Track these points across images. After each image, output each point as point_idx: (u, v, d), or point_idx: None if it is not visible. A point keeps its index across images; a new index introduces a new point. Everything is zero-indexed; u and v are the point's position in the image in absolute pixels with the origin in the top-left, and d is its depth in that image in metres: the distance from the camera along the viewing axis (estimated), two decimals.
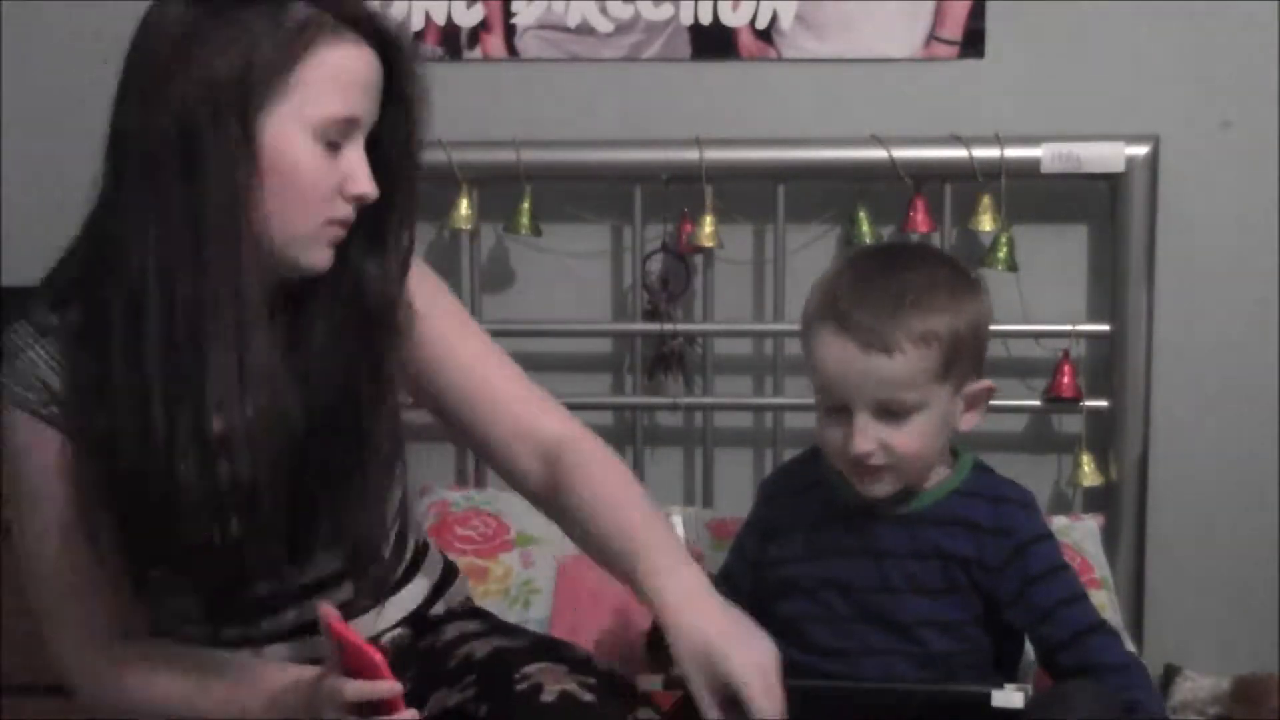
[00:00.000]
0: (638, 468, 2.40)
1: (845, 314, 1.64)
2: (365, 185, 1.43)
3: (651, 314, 2.37)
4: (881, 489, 1.68)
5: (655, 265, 2.39)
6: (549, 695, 1.45)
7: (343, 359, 1.48)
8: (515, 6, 2.39)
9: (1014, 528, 1.68)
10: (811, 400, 1.90)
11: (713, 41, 2.39)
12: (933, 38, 2.37)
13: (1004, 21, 2.36)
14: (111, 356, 1.39)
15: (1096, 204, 2.35)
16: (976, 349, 1.70)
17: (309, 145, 1.40)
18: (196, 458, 1.39)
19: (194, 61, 1.37)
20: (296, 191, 1.41)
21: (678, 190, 2.33)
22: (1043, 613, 1.66)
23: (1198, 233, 2.36)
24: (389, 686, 1.36)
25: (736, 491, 2.40)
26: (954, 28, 2.37)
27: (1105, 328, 2.33)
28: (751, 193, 2.36)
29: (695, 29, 2.39)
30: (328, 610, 1.37)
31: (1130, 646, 2.11)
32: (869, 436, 1.63)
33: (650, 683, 1.56)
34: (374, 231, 1.49)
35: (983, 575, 1.67)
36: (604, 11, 2.39)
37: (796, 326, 2.31)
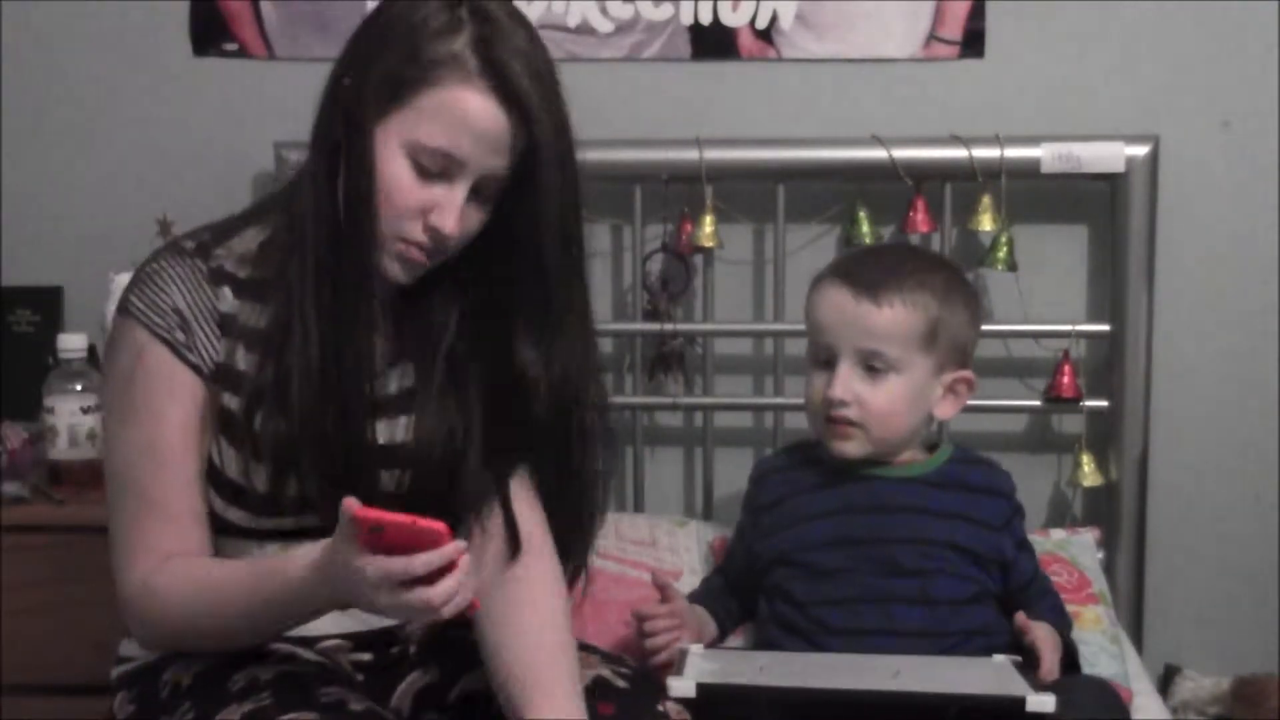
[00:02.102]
0: (638, 468, 2.41)
1: (848, 268, 1.87)
2: (448, 221, 1.49)
3: (651, 314, 2.37)
4: (850, 448, 1.83)
5: (655, 265, 2.39)
6: (584, 679, 1.50)
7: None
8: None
9: (1006, 490, 1.88)
10: None
11: (713, 41, 2.39)
12: (933, 38, 2.37)
13: (1004, 21, 2.36)
14: (292, 304, 1.52)
15: (1096, 204, 2.35)
16: (960, 343, 1.85)
17: (398, 161, 1.48)
18: (355, 378, 1.53)
19: (359, 52, 1.51)
20: (379, 198, 1.50)
21: (678, 190, 2.33)
22: (1027, 577, 1.87)
23: (1198, 233, 2.36)
24: (455, 547, 1.35)
25: (736, 492, 2.40)
26: (954, 28, 2.37)
27: (1105, 328, 2.33)
28: (751, 193, 2.36)
29: (695, 29, 2.39)
30: (350, 500, 1.35)
31: (1129, 648, 2.12)
32: (847, 386, 1.80)
33: (682, 688, 1.56)
34: (538, 317, 1.56)
35: (982, 531, 1.81)
36: (604, 11, 2.39)
37: (797, 326, 2.33)
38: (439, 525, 1.34)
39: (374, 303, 1.54)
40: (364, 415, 1.55)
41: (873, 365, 1.80)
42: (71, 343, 2.22)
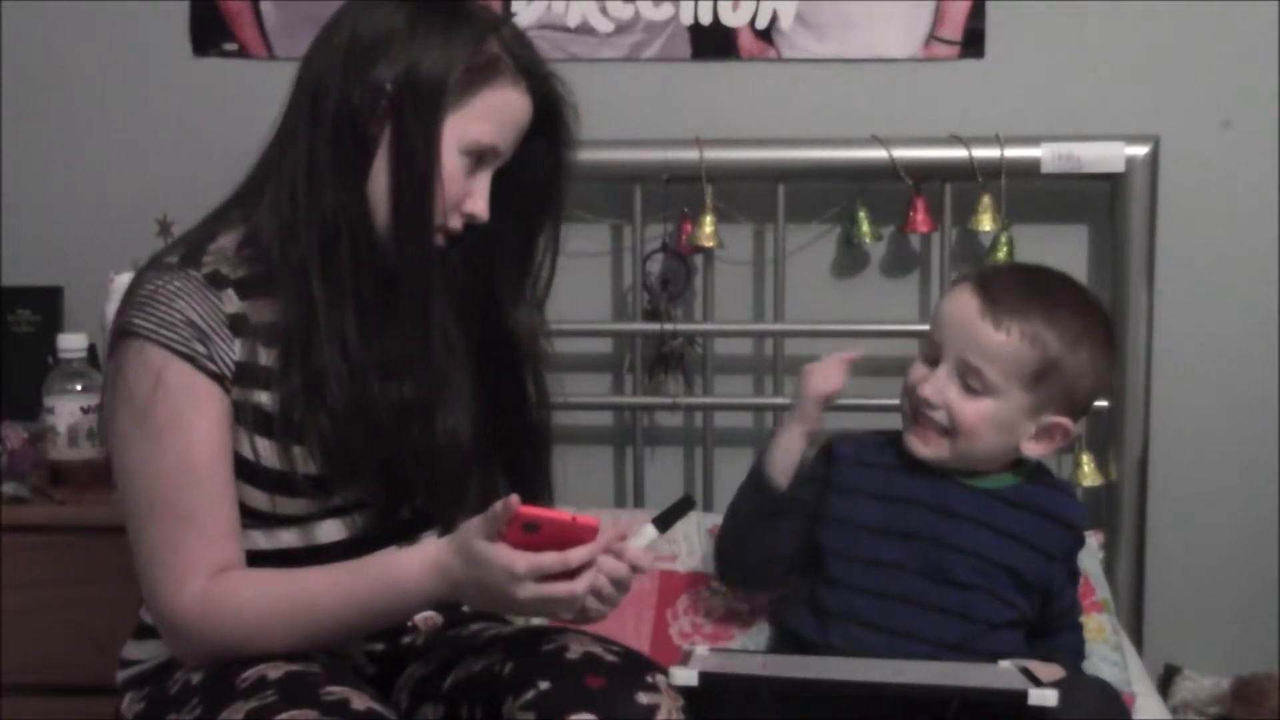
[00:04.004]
0: (638, 468, 2.41)
1: (991, 279, 1.80)
2: (481, 206, 1.60)
3: (651, 314, 2.37)
4: (925, 450, 1.78)
5: (655, 265, 2.39)
6: (574, 654, 1.52)
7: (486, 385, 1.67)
8: (515, 6, 2.39)
9: (1075, 521, 1.83)
10: None
11: (713, 41, 2.39)
12: (933, 38, 2.37)
13: (1004, 21, 2.36)
14: (315, 303, 1.54)
15: (1096, 204, 2.35)
16: (1072, 392, 1.77)
17: (454, 157, 1.56)
18: (382, 383, 1.57)
19: (400, 54, 1.54)
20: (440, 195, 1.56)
21: (678, 190, 2.33)
22: (1063, 606, 1.84)
23: (1198, 233, 2.36)
24: (602, 542, 1.44)
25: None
26: (954, 28, 2.37)
27: None
28: (751, 193, 2.36)
29: (695, 29, 2.39)
30: (514, 498, 1.40)
31: (1131, 654, 2.12)
32: (939, 388, 1.76)
33: (685, 676, 1.57)
34: (520, 268, 1.68)
35: (1040, 559, 1.79)
36: (604, 11, 2.39)
37: (797, 326, 2.34)
38: (594, 522, 1.42)
39: (432, 298, 1.58)
40: (406, 403, 1.59)
41: (970, 381, 1.75)
42: (71, 343, 2.22)
